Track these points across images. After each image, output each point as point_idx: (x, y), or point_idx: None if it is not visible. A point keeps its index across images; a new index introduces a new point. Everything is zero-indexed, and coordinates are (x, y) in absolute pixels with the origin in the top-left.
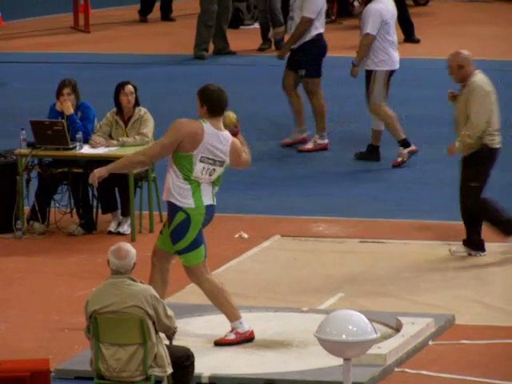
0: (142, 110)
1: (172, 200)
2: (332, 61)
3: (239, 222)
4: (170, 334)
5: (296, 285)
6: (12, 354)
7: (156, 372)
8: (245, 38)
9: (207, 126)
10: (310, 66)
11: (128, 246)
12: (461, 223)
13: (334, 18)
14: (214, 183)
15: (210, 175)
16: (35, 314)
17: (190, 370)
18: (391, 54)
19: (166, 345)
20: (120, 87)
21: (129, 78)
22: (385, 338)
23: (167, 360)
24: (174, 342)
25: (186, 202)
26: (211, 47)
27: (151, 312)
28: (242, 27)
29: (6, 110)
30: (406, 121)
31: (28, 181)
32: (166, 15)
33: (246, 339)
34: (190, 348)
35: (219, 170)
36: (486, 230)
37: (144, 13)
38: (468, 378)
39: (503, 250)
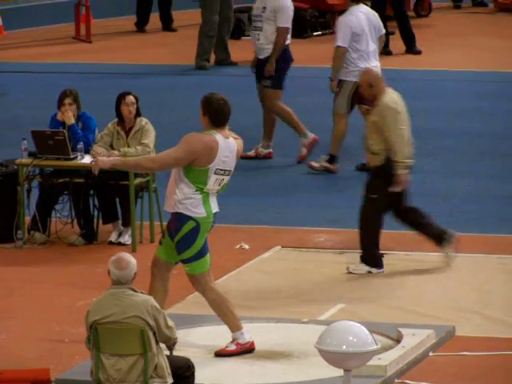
0: (143, 121)
1: (182, 211)
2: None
3: (240, 233)
4: (171, 344)
5: (296, 295)
6: (13, 364)
7: (156, 382)
8: (246, 48)
9: (219, 137)
10: (275, 78)
11: (129, 257)
12: (462, 234)
13: (334, 30)
14: (218, 191)
15: (219, 185)
16: (36, 324)
17: (190, 381)
18: (361, 66)
19: (167, 355)
20: (121, 97)
21: (130, 89)
22: (385, 349)
23: (168, 370)
24: (175, 353)
25: (197, 211)
26: (212, 58)
27: (152, 322)
28: (243, 38)
29: (7, 120)
30: None
31: (29, 191)
32: (167, 25)
33: (247, 350)
34: (191, 358)
35: (226, 180)
36: (482, 242)
37: (140, 25)
38: None
39: (503, 261)
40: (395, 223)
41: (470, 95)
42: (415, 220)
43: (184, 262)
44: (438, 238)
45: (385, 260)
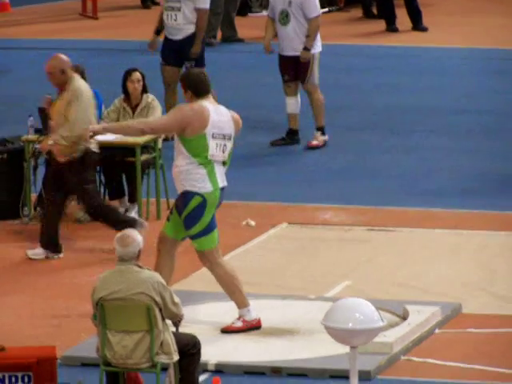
0: (149, 97)
1: (188, 188)
2: (338, 49)
3: (246, 210)
4: (177, 321)
5: (303, 272)
6: (18, 341)
7: (162, 359)
8: (253, 25)
9: (206, 103)
10: (198, 59)
11: (134, 233)
12: (468, 211)
13: (342, 5)
14: (224, 163)
15: (223, 152)
16: (41, 300)
17: (196, 358)
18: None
19: (173, 332)
20: (127, 74)
21: (137, 65)
22: (391, 326)
23: (174, 347)
24: (181, 330)
25: (203, 186)
26: (219, 34)
27: (158, 299)
28: (250, 15)
29: (13, 97)
30: (412, 109)
31: (35, 167)
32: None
33: (253, 327)
34: (197, 335)
35: (229, 145)
36: (489, 220)
37: (145, 0)
38: (474, 366)
39: (510, 239)
40: (398, 199)
41: (476, 72)
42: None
43: (192, 237)
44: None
45: (390, 237)
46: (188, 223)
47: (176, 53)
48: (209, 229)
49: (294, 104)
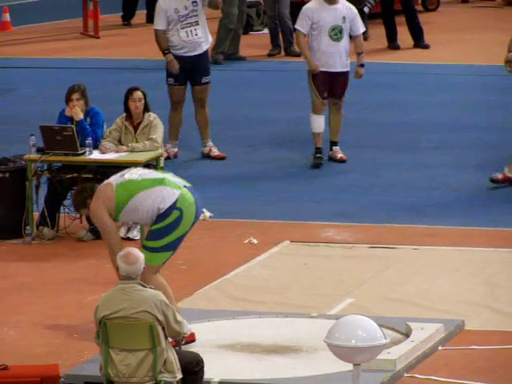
0: (151, 116)
1: (162, 211)
2: None
3: (249, 228)
4: (179, 339)
5: (305, 290)
6: (22, 360)
7: (166, 377)
8: (254, 43)
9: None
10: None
11: (137, 252)
12: (470, 228)
13: None
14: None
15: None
16: (45, 319)
17: (199, 376)
18: None
19: (176, 350)
20: (129, 93)
21: (139, 84)
22: (394, 343)
23: (177, 365)
24: (183, 348)
25: (172, 195)
26: None
27: (161, 317)
28: (251, 33)
29: (15, 116)
30: (414, 126)
31: (37, 186)
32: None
33: (187, 341)
34: (200, 353)
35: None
36: (491, 236)
37: (127, 18)
38: (477, 383)
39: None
40: (401, 216)
41: (478, 89)
42: None
43: (148, 249)
44: None
45: (393, 254)
46: (156, 235)
47: (188, 71)
48: (170, 247)
49: (323, 122)
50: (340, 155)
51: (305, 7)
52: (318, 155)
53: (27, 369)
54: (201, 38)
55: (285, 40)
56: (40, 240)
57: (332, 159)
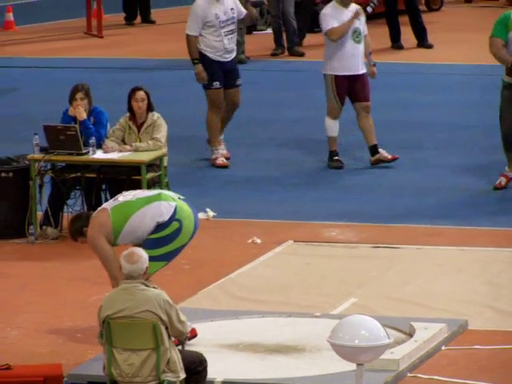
0: (155, 115)
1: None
2: None
3: (252, 228)
4: (183, 339)
5: (309, 290)
6: (25, 359)
7: (169, 377)
8: (258, 43)
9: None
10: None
11: (140, 251)
12: (474, 228)
13: None
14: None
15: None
16: (48, 319)
17: (202, 376)
18: None
19: (179, 350)
20: (132, 93)
21: (142, 83)
22: (398, 343)
23: (180, 365)
24: (187, 347)
25: (170, 208)
26: None
27: (164, 317)
28: (255, 32)
29: (18, 115)
30: (417, 126)
31: (41, 186)
32: (146, 17)
33: (190, 338)
34: (203, 353)
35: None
36: (494, 236)
37: (129, 18)
38: (480, 383)
39: None
40: (404, 216)
41: (481, 89)
42: None
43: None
44: None
45: (396, 254)
46: (154, 244)
47: (227, 74)
48: (166, 257)
49: (337, 126)
50: (390, 155)
51: (323, 13)
52: (336, 158)
53: (30, 368)
54: (235, 45)
55: (288, 40)
56: (43, 239)
57: (381, 161)
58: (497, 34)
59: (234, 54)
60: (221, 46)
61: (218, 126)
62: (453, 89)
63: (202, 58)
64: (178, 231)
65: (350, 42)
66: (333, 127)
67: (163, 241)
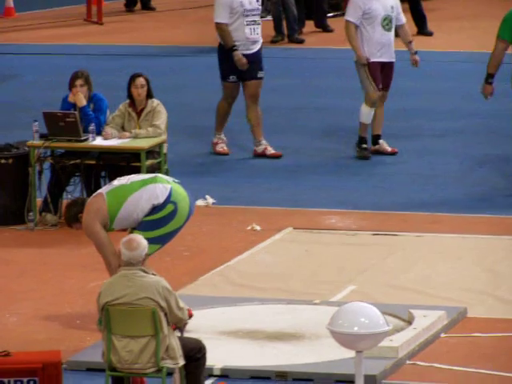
0: (154, 102)
1: (156, 203)
2: (344, 53)
3: (251, 214)
4: (182, 325)
5: (308, 277)
6: (24, 346)
7: (168, 364)
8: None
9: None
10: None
11: (139, 238)
12: (474, 215)
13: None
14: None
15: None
16: (47, 305)
17: (201, 362)
18: None
19: (178, 337)
20: (131, 80)
21: (142, 70)
22: (397, 330)
23: (179, 352)
24: (186, 334)
25: (165, 190)
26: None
27: (163, 304)
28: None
29: (18, 102)
30: (416, 113)
31: (40, 172)
32: (146, 4)
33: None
34: (202, 340)
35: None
36: (494, 224)
37: (130, 5)
38: (480, 370)
39: None
40: (403, 203)
41: (481, 77)
42: None
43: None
44: None
45: (395, 241)
46: (148, 226)
47: (249, 66)
48: (160, 240)
49: (372, 113)
50: (391, 148)
51: None
52: (364, 146)
53: (29, 355)
54: (259, 37)
55: (288, 27)
56: (43, 226)
57: (379, 152)
58: (502, 35)
59: (258, 46)
60: (242, 35)
61: (226, 113)
62: (452, 76)
63: (222, 49)
64: (173, 214)
65: (379, 29)
66: (367, 114)
67: (158, 223)
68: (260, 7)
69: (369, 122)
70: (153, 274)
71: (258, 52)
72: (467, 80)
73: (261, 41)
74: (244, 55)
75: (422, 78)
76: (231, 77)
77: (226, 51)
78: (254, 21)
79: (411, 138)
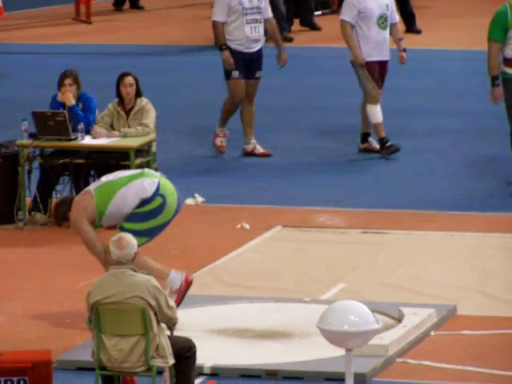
0: (143, 101)
1: (144, 197)
2: (334, 51)
3: (241, 213)
4: (171, 324)
5: (297, 275)
6: (13, 345)
7: (158, 363)
8: None
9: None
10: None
11: (129, 237)
12: (464, 213)
13: (335, 8)
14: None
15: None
16: (37, 304)
17: (191, 361)
18: None
19: (168, 336)
20: (120, 79)
21: (131, 69)
22: (387, 328)
23: (169, 351)
24: (176, 333)
25: (153, 184)
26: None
27: (153, 302)
28: None
29: (7, 101)
30: (406, 111)
31: (29, 172)
32: (135, 3)
33: (186, 289)
34: (192, 339)
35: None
36: (484, 222)
37: (118, 4)
38: (469, 368)
39: (505, 240)
40: (393, 201)
41: (471, 74)
42: None
43: (125, 230)
44: None
45: (385, 239)
46: (135, 218)
47: (248, 65)
48: (146, 233)
49: (380, 111)
50: (378, 146)
51: None
52: (388, 144)
53: (19, 354)
54: (260, 36)
55: (277, 25)
56: (32, 225)
57: (367, 150)
58: (494, 36)
59: (259, 45)
60: (241, 34)
61: (232, 110)
62: (442, 74)
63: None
64: (162, 207)
65: (375, 28)
66: (376, 113)
67: (147, 215)
68: (261, 6)
69: (380, 119)
70: (142, 273)
71: (259, 51)
72: (457, 78)
73: (263, 40)
74: (244, 54)
75: (412, 76)
76: (233, 73)
77: (228, 49)
78: (255, 19)
79: (400, 136)
